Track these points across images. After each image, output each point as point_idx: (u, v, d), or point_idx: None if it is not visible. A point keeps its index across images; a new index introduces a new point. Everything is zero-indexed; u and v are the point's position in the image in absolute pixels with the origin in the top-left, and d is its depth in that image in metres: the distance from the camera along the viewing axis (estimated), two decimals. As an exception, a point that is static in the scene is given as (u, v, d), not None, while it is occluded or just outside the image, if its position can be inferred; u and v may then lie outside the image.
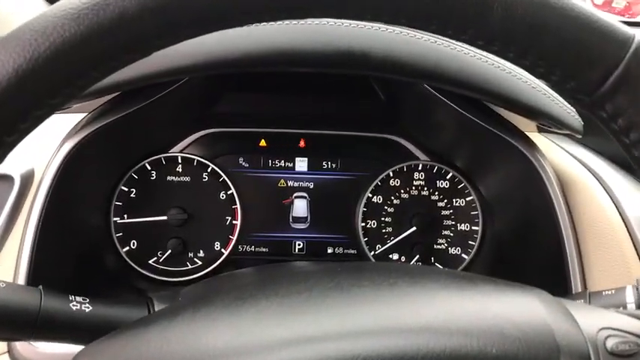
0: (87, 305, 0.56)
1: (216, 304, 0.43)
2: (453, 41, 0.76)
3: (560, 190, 0.83)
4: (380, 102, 1.08)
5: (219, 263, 1.04)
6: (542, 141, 1.01)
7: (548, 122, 0.80)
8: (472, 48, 0.76)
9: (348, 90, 1.06)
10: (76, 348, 0.55)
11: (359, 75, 0.97)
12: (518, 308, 0.43)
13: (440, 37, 0.75)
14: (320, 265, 0.56)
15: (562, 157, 0.94)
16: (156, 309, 0.61)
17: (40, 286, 0.54)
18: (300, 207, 1.07)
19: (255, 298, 0.43)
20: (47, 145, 0.85)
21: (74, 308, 0.55)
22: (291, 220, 1.08)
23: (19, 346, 0.74)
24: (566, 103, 0.80)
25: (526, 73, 0.79)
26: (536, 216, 0.89)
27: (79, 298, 0.56)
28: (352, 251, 1.08)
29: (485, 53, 0.77)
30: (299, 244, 1.08)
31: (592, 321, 0.42)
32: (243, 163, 1.07)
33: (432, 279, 0.48)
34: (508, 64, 0.78)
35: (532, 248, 0.91)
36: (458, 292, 0.46)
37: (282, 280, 0.48)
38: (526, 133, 0.88)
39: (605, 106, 0.40)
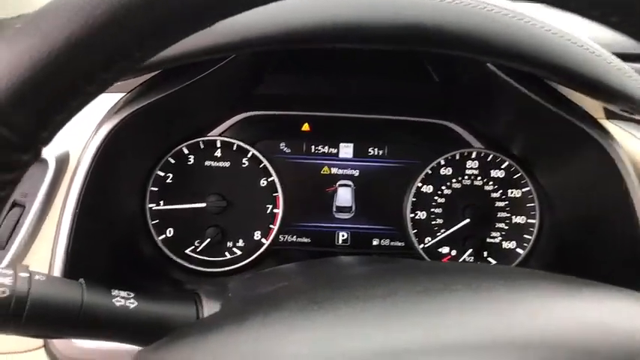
0: (131, 301, 0.52)
1: (289, 308, 0.38)
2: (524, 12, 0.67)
3: (638, 183, 0.75)
4: (432, 84, 1.00)
5: (260, 254, 0.99)
6: (613, 129, 0.93)
7: (631, 108, 0.72)
8: (543, 20, 0.68)
9: (398, 71, 0.99)
10: (114, 344, 0.51)
11: (412, 53, 0.90)
12: (637, 321, 0.37)
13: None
14: (391, 262, 0.50)
15: (639, 148, 0.86)
16: (204, 306, 0.57)
17: (82, 280, 0.50)
18: (344, 196, 1.01)
19: (331, 302, 0.38)
20: (82, 126, 0.80)
21: (118, 304, 0.51)
22: (334, 209, 1.02)
23: (56, 340, 0.70)
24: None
25: (606, 51, 0.71)
26: (607, 211, 0.81)
27: (123, 293, 0.52)
28: (400, 243, 1.02)
29: (557, 26, 0.68)
30: (343, 235, 1.02)
31: None
32: (285, 149, 1.01)
33: (530, 283, 0.42)
34: (586, 40, 0.69)
35: (601, 246, 0.84)
36: (563, 298, 0.40)
37: (355, 282, 0.42)
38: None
39: None
